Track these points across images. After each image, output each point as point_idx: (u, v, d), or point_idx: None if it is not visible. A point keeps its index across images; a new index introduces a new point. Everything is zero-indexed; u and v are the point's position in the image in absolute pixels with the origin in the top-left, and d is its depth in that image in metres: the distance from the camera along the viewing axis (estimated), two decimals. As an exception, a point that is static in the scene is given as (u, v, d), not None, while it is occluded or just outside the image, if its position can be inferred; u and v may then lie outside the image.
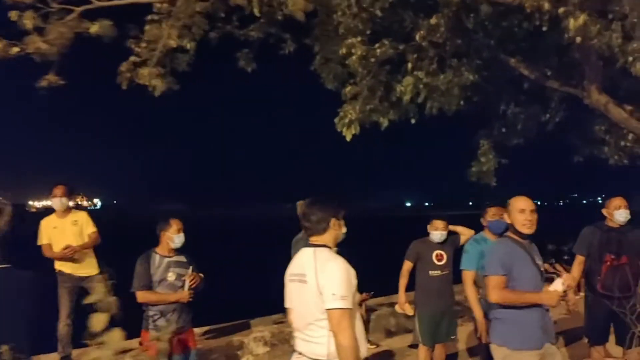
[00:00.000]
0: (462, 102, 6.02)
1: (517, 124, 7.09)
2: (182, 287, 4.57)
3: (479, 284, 4.72)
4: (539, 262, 3.49)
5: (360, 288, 7.97)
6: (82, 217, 6.07)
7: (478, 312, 4.66)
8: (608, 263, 4.84)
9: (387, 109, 6.53)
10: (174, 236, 4.56)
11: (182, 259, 4.69)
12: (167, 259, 4.58)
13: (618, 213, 4.90)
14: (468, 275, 4.78)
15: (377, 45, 5.72)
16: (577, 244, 5.20)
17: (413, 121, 6.79)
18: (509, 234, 3.57)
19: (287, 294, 3.03)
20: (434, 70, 5.80)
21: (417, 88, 5.73)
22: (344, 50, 5.78)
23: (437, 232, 5.30)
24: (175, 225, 4.59)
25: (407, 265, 5.50)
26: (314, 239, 2.95)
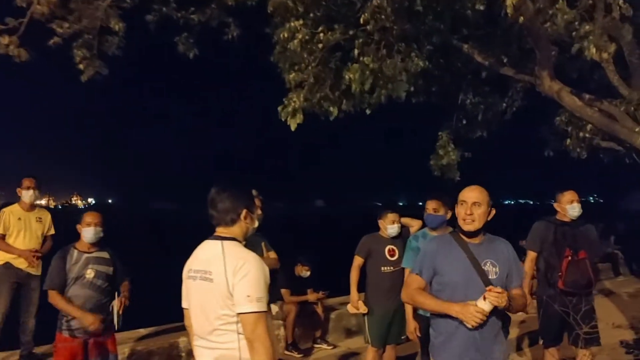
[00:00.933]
0: (412, 89, 5.68)
1: (477, 115, 6.79)
2: (111, 313, 4.32)
3: None
4: (492, 267, 2.89)
5: (326, 286, 7.71)
6: (47, 216, 5.98)
7: (407, 310, 4.54)
8: (569, 258, 4.61)
9: (339, 98, 6.24)
10: (83, 229, 4.27)
11: (105, 255, 4.41)
12: (86, 255, 4.29)
13: (571, 207, 4.73)
14: (407, 273, 4.53)
15: (320, 29, 5.41)
16: (529, 239, 4.98)
17: (368, 112, 6.49)
18: (456, 229, 3.06)
19: (185, 292, 2.63)
20: (383, 56, 5.48)
21: (364, 75, 5.40)
22: (285, 34, 5.48)
23: (393, 225, 5.08)
24: (87, 218, 4.30)
25: (358, 261, 5.24)
26: (221, 230, 2.57)
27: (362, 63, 5.46)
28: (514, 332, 7.60)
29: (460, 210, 2.93)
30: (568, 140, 6.39)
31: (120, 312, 4.35)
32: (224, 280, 2.38)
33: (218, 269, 2.41)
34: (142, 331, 6.57)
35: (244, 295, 2.34)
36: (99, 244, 4.37)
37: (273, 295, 7.69)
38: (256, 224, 2.69)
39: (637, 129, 5.45)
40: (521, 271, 3.08)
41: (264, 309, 2.39)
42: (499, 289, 2.73)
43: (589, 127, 5.99)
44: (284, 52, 6.84)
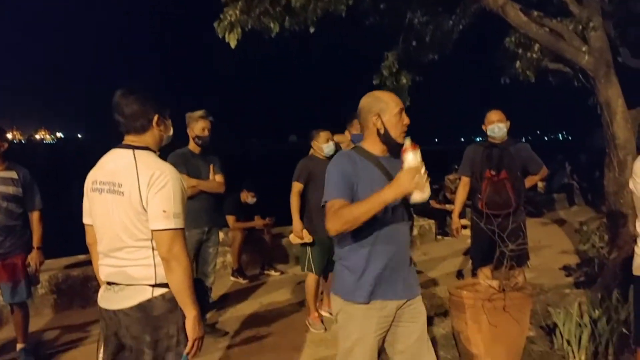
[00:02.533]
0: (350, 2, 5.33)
1: (426, 36, 6.50)
2: (35, 276, 4.39)
3: None
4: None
5: (278, 215, 7.55)
6: None
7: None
8: (487, 179, 4.61)
9: (281, 14, 5.86)
10: None
11: (12, 175, 4.14)
12: None
13: (490, 128, 4.67)
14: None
15: None
16: (461, 165, 5.04)
17: (312, 30, 6.14)
18: (361, 144, 2.61)
19: (89, 206, 2.40)
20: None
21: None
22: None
23: (328, 144, 4.97)
24: None
25: (298, 187, 5.01)
26: (131, 139, 2.33)
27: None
28: (458, 261, 7.70)
29: (398, 121, 2.50)
30: (517, 63, 6.19)
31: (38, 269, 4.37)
32: (136, 194, 2.18)
33: (130, 180, 2.20)
34: (82, 257, 6.41)
35: (160, 210, 2.17)
36: (3, 164, 4.10)
37: (218, 221, 7.57)
38: (171, 131, 2.47)
39: (583, 48, 5.29)
40: None
41: (181, 225, 2.22)
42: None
43: (536, 47, 5.80)
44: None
